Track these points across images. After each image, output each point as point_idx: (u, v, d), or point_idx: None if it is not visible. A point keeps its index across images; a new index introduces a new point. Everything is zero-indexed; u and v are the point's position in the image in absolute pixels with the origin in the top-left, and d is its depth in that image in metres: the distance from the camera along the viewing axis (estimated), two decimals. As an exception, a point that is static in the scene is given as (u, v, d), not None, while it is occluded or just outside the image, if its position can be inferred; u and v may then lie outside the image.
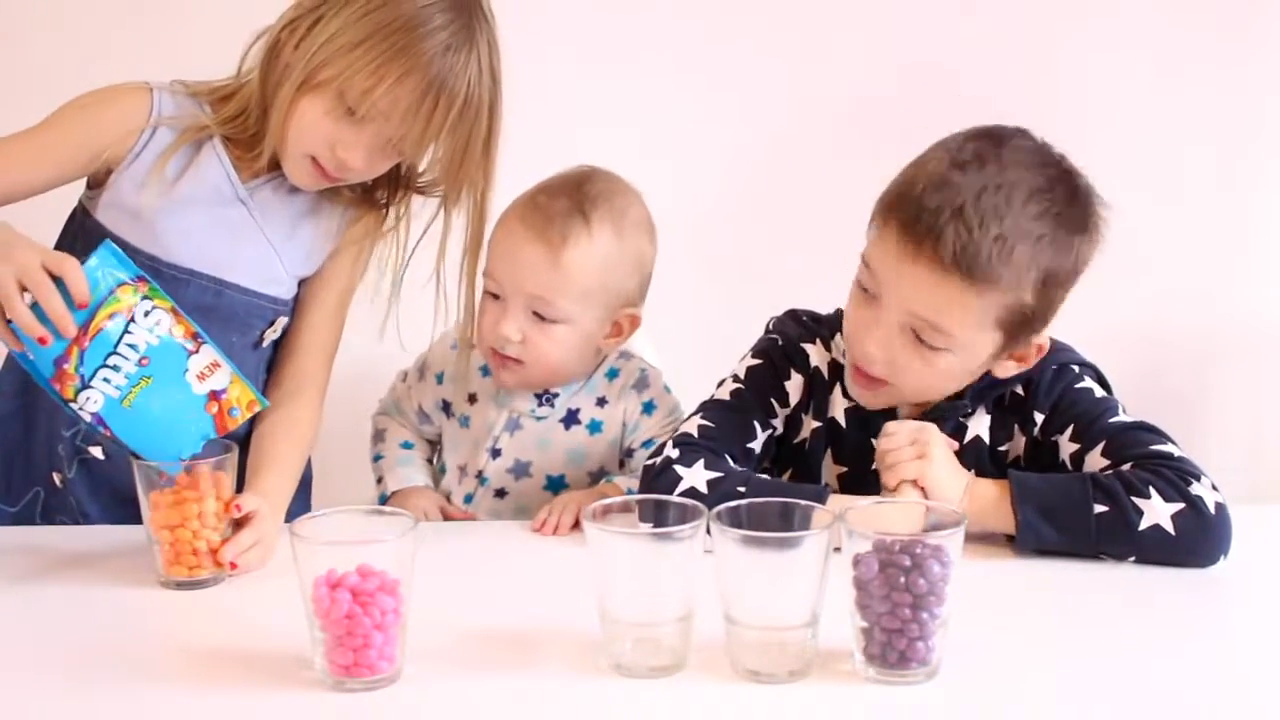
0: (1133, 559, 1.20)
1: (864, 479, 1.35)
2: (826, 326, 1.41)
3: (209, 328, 1.23)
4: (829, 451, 1.39)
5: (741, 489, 1.23)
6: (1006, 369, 1.30)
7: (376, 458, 1.57)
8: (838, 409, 1.38)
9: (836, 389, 1.38)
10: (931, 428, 1.27)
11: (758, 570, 0.97)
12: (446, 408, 1.54)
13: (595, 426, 1.49)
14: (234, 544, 1.19)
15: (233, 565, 1.18)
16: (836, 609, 0.97)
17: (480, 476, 1.50)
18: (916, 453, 1.24)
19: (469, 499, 1.51)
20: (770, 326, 1.44)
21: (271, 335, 1.42)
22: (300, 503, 1.44)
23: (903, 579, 0.95)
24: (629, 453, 1.50)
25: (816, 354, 1.39)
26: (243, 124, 1.36)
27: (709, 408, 1.37)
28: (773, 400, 1.38)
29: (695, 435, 1.33)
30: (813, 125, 2.13)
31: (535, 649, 1.03)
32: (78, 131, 1.34)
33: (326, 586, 0.95)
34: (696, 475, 1.27)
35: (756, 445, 1.36)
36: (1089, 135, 2.09)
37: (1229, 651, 1.05)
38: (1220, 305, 2.18)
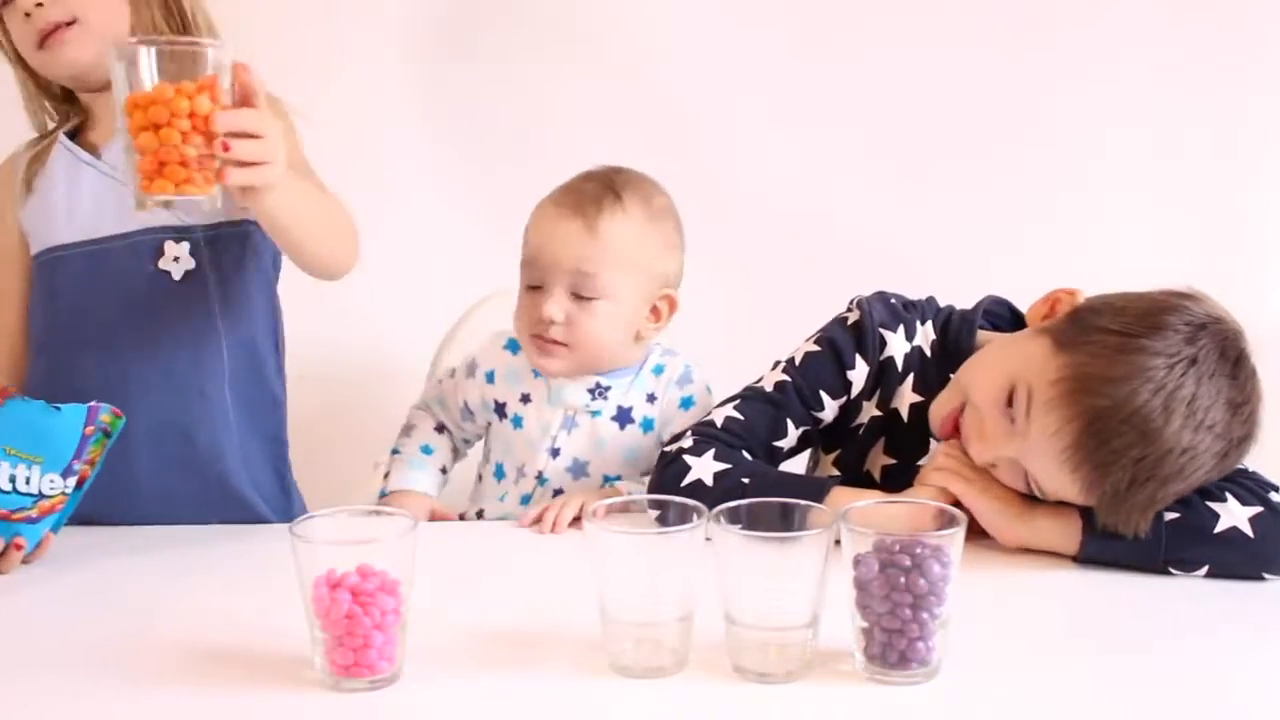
0: (1205, 570, 1.16)
1: (907, 476, 1.34)
2: (916, 312, 1.37)
3: (100, 288, 1.35)
4: (882, 440, 1.37)
5: (745, 480, 1.23)
6: None
7: (394, 451, 1.57)
8: (903, 402, 1.35)
9: (909, 381, 1.35)
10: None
11: (758, 570, 0.97)
12: (500, 409, 1.52)
13: (648, 425, 1.48)
14: (231, 114, 1.07)
15: (225, 147, 1.07)
16: (837, 609, 0.97)
17: (540, 477, 1.49)
18: (974, 479, 1.23)
19: (526, 499, 1.50)
20: (851, 306, 1.38)
21: (179, 266, 1.39)
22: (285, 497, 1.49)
23: (903, 579, 0.95)
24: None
25: (896, 342, 1.35)
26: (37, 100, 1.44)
27: (747, 398, 1.36)
28: (823, 393, 1.34)
29: (718, 426, 1.33)
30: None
31: (535, 649, 1.03)
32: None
33: (326, 586, 0.95)
34: (705, 466, 1.27)
35: (787, 443, 1.35)
36: (1088, 134, 2.12)
37: (1228, 652, 1.05)
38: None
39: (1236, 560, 1.16)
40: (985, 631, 1.04)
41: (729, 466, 1.27)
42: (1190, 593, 1.16)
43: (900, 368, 1.35)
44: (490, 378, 1.53)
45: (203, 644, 1.05)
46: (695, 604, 0.98)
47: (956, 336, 1.35)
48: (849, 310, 1.38)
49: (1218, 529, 1.15)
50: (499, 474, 1.54)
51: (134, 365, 1.39)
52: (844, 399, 1.36)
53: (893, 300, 1.38)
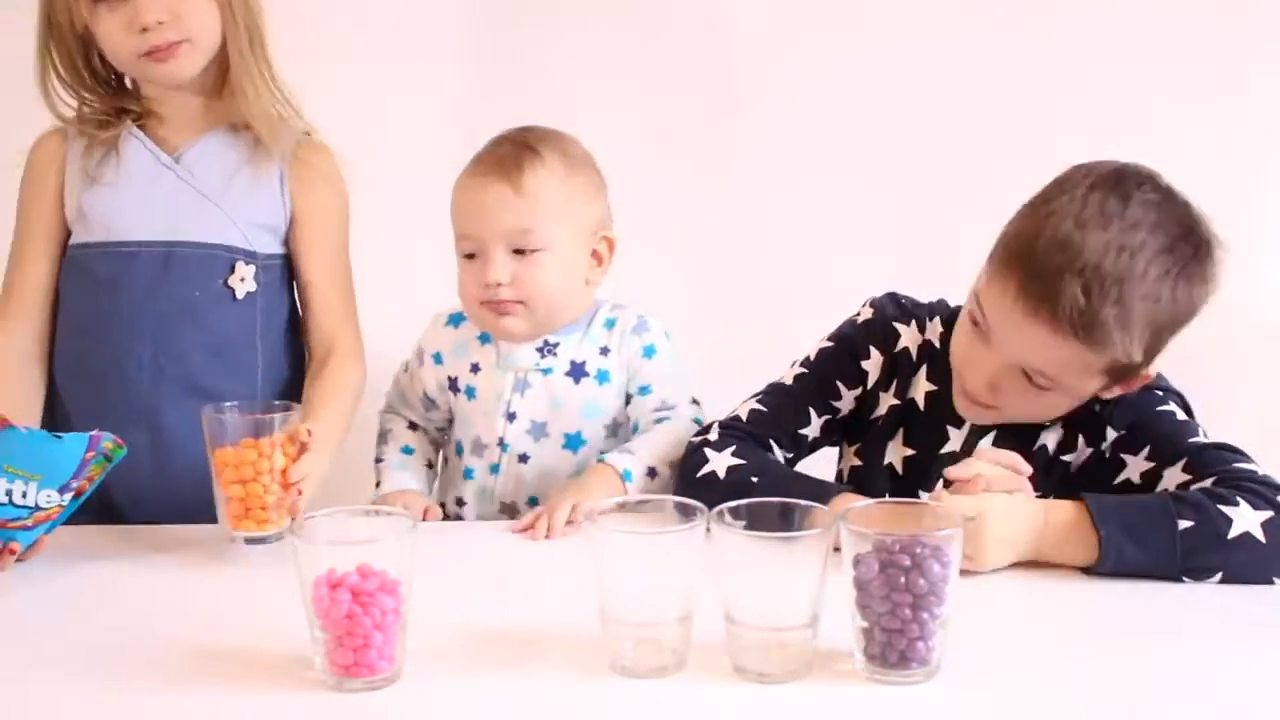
0: (1219, 576, 1.16)
1: (928, 468, 1.37)
2: (926, 310, 1.43)
3: (166, 289, 1.42)
4: (900, 432, 1.40)
5: (755, 479, 1.27)
6: (1112, 392, 1.30)
7: (379, 459, 1.58)
8: (919, 390, 1.40)
9: (923, 371, 1.40)
10: (1024, 487, 1.22)
11: (758, 570, 0.97)
12: (454, 385, 1.53)
13: (603, 376, 1.49)
14: (298, 466, 1.25)
15: (299, 493, 1.25)
16: (837, 609, 0.97)
17: (501, 444, 1.50)
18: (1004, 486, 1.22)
19: (495, 469, 1.51)
20: (864, 305, 1.45)
21: (244, 286, 1.47)
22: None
23: (903, 579, 0.95)
24: (628, 399, 1.51)
25: (909, 334, 1.41)
26: (107, 97, 1.47)
27: (770, 391, 1.43)
28: (839, 383, 1.41)
29: (744, 419, 1.39)
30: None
31: (535, 649, 1.03)
32: (36, 201, 1.47)
33: (327, 587, 0.95)
34: (722, 461, 1.31)
35: (810, 431, 1.40)
36: (1087, 133, 2.11)
37: (1227, 654, 1.05)
38: (1219, 306, 2.17)
39: (1248, 566, 1.16)
40: (985, 631, 1.04)
41: (743, 463, 1.30)
42: (1192, 592, 1.16)
43: (914, 358, 1.40)
44: (438, 359, 1.55)
45: (202, 644, 1.05)
46: (695, 604, 0.98)
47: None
48: (862, 309, 1.45)
49: (1231, 534, 1.15)
50: (459, 450, 1.55)
51: (173, 365, 1.44)
52: (860, 389, 1.41)
53: (903, 300, 1.45)
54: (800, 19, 2.13)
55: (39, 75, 1.46)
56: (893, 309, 1.43)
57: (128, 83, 1.50)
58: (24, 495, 1.17)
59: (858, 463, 1.43)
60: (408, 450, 1.57)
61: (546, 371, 1.49)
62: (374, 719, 0.94)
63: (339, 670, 0.96)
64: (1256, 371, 2.13)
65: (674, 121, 2.13)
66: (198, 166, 1.47)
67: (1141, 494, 1.24)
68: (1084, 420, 1.33)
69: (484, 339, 1.52)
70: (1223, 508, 1.16)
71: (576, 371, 1.49)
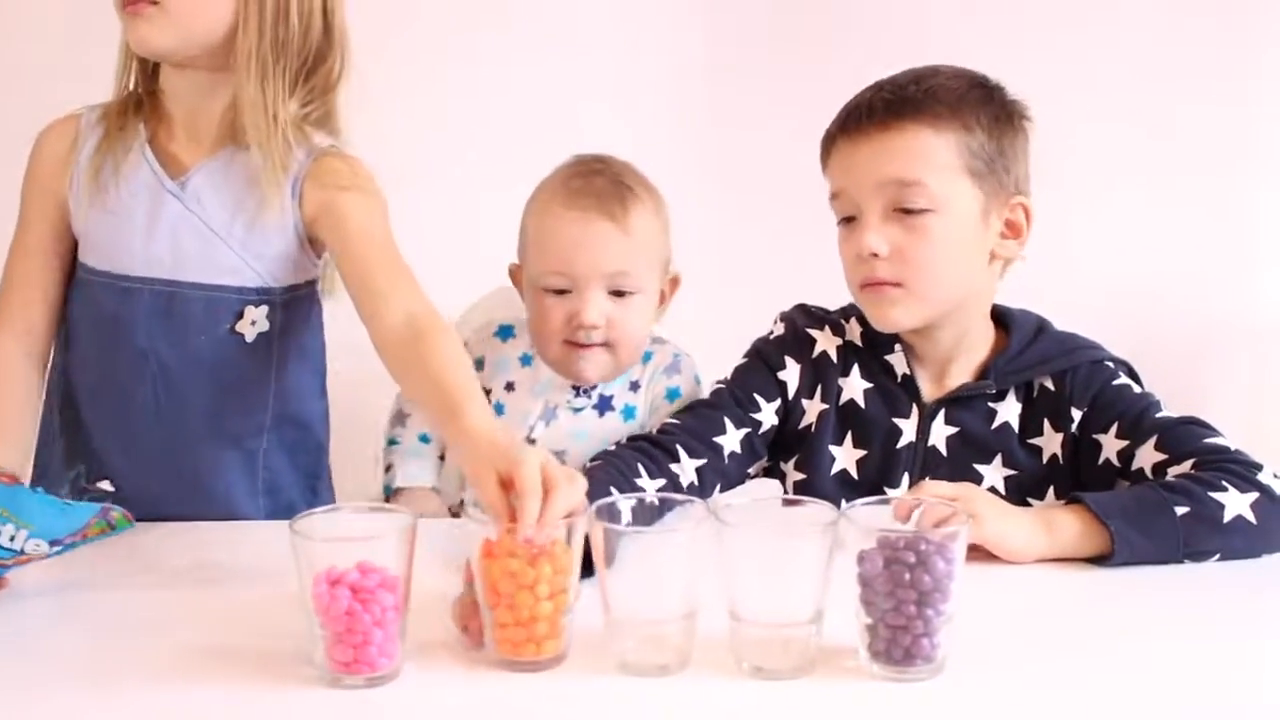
0: (1218, 556, 1.19)
1: (886, 466, 1.36)
2: (839, 314, 1.43)
3: (167, 333, 1.31)
4: (849, 436, 1.39)
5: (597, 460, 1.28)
6: (1009, 249, 1.33)
7: (392, 442, 1.53)
8: (855, 390, 1.38)
9: (854, 372, 1.39)
10: (971, 489, 1.23)
11: (762, 567, 0.96)
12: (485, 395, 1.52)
13: (629, 412, 1.47)
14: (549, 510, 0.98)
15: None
16: (841, 605, 0.97)
17: None
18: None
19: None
20: (775, 320, 1.46)
21: (254, 329, 1.36)
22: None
23: (907, 575, 0.94)
24: None
25: (824, 339, 1.41)
26: (136, 95, 1.37)
27: (687, 408, 1.41)
28: (757, 396, 1.39)
29: (654, 432, 1.37)
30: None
31: (537, 647, 1.02)
32: (37, 197, 1.38)
33: (326, 583, 0.95)
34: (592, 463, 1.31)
35: (728, 442, 1.37)
36: (1086, 131, 2.12)
37: (1233, 647, 1.04)
38: (1216, 298, 2.18)
39: (1243, 546, 1.19)
40: (990, 628, 1.04)
41: (597, 464, 1.29)
42: (1197, 585, 1.16)
43: (836, 360, 1.40)
44: (480, 364, 1.50)
45: (201, 641, 1.04)
46: (699, 601, 0.98)
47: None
48: (774, 325, 1.45)
49: (1226, 519, 1.18)
50: None
51: (178, 409, 1.36)
52: (780, 401, 1.40)
53: (813, 309, 1.45)
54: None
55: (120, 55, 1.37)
56: (804, 318, 1.43)
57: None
58: (11, 539, 1.12)
59: (801, 476, 1.40)
60: (425, 439, 1.53)
61: (577, 410, 1.47)
62: (373, 716, 0.93)
63: (338, 667, 0.95)
64: (1255, 367, 2.14)
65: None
66: (204, 193, 1.34)
67: (1129, 487, 1.26)
68: (1041, 400, 1.34)
69: (525, 360, 1.49)
70: (1213, 494, 1.18)
71: (603, 404, 1.47)
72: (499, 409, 1.49)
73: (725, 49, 2.18)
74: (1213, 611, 1.11)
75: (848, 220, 1.33)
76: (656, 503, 1.06)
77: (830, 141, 1.35)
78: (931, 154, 1.28)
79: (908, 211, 1.28)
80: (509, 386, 1.49)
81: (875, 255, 1.29)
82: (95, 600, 1.15)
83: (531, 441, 1.46)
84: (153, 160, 1.35)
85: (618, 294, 1.41)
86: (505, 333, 1.52)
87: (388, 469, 1.53)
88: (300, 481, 1.46)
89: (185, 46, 1.31)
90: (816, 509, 1.00)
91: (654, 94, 2.16)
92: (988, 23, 2.11)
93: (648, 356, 1.49)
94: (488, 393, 1.49)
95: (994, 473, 1.34)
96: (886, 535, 0.96)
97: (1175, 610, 1.11)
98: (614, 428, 1.47)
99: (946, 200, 1.28)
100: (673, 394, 1.47)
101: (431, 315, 1.26)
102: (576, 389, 1.47)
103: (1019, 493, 1.33)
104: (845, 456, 1.38)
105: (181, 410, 1.36)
